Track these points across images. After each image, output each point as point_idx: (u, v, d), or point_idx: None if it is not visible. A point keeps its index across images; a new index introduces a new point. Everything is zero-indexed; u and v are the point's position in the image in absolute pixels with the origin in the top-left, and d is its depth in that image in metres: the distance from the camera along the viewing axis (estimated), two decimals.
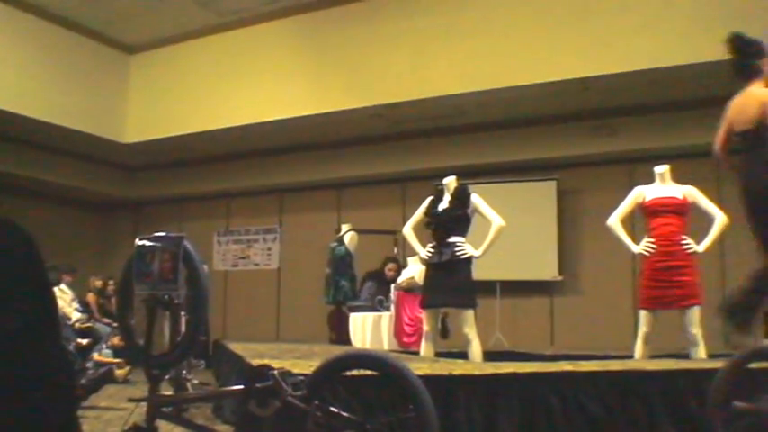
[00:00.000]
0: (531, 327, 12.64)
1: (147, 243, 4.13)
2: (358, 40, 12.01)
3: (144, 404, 4.06)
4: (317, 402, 3.47)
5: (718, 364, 4.54)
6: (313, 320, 13.74)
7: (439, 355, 7.60)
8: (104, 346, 11.36)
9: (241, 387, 3.68)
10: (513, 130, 12.71)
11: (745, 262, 6.15)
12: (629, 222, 7.60)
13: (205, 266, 4.91)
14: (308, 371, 3.75)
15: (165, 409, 4.14)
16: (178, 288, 4.04)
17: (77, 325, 11.40)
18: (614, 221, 7.36)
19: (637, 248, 7.21)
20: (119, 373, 10.52)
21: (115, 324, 11.35)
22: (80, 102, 13.20)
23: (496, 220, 7.32)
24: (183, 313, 4.36)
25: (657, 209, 7.17)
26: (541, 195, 12.77)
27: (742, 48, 5.68)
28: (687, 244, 7.03)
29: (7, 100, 12.04)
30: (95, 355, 10.52)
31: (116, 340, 11.43)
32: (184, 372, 7.73)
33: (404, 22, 11.59)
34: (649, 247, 7.10)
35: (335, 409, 3.50)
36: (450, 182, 7.66)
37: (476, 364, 6.36)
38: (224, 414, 6.21)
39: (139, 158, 15.56)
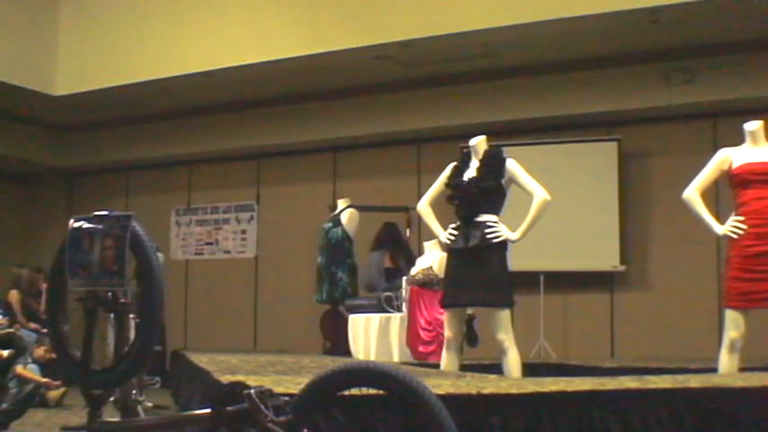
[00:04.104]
0: (584, 332, 12.65)
1: (85, 225, 4.13)
2: None
3: None
4: (306, 431, 3.48)
5: None
6: (301, 324, 13.77)
7: (465, 368, 7.61)
8: (30, 358, 11.39)
9: (208, 411, 3.68)
10: (561, 75, 12.67)
11: None
12: (711, 195, 7.58)
13: (160, 255, 4.92)
14: (295, 390, 3.75)
15: None
16: (125, 283, 4.05)
17: None
18: (692, 194, 7.33)
19: (722, 229, 7.18)
20: (51, 394, 10.55)
21: (44, 330, 11.36)
22: None
23: (539, 193, 7.30)
24: (131, 316, 4.36)
25: (749, 177, 7.13)
26: (598, 160, 12.74)
27: None
28: None
29: None
30: (18, 369, 10.54)
31: (41, 351, 11.44)
32: (134, 392, 7.75)
33: None
34: (738, 227, 7.08)
35: None
36: (479, 143, 7.64)
37: (513, 380, 6.37)
38: None
39: (74, 115, 15.55)
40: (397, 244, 12.18)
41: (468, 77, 13.11)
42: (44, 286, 12.91)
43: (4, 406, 8.82)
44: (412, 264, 11.03)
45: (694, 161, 7.71)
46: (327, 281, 11.97)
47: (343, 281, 11.89)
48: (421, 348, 10.18)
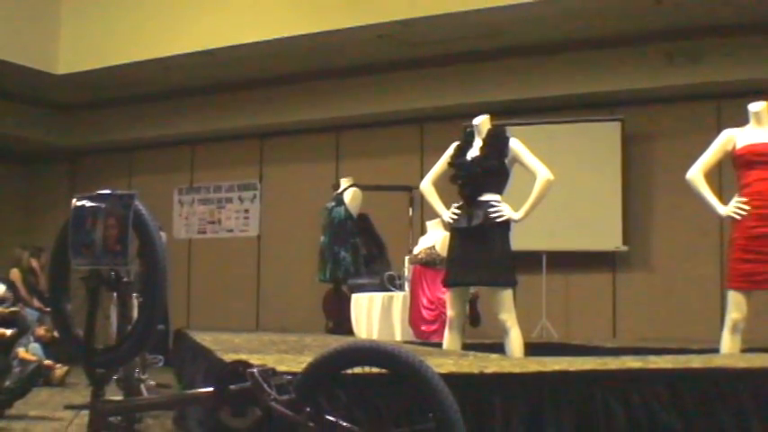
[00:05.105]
0: (586, 311, 12.67)
1: (88, 204, 4.12)
2: None
3: (85, 413, 4.07)
4: (308, 409, 3.48)
5: None
6: (304, 304, 13.77)
7: (467, 347, 7.62)
8: (33, 338, 11.40)
9: (210, 390, 3.69)
10: (564, 55, 12.64)
11: None
12: (715, 176, 7.57)
13: (163, 234, 4.91)
14: (298, 369, 3.75)
15: (112, 419, 4.15)
16: (128, 262, 4.05)
17: None
18: (696, 175, 7.31)
19: (725, 210, 7.17)
20: (55, 374, 10.56)
21: (47, 309, 11.37)
22: None
23: (542, 173, 7.28)
24: (134, 295, 4.37)
25: (752, 159, 7.12)
26: (601, 140, 12.74)
27: None
28: None
29: None
30: (21, 353, 10.55)
31: (42, 330, 11.44)
32: (137, 371, 7.76)
33: None
34: (742, 208, 7.07)
35: (333, 419, 3.51)
36: (482, 122, 7.61)
37: (515, 359, 6.38)
38: (188, 425, 6.22)
39: (76, 95, 15.53)
40: (368, 233, 12.28)
41: (470, 57, 13.08)
42: (38, 265, 12.98)
43: (8, 384, 8.83)
44: (383, 249, 11.21)
45: (698, 142, 7.69)
46: (330, 260, 11.97)
47: (346, 260, 11.89)
48: (423, 327, 10.19)
